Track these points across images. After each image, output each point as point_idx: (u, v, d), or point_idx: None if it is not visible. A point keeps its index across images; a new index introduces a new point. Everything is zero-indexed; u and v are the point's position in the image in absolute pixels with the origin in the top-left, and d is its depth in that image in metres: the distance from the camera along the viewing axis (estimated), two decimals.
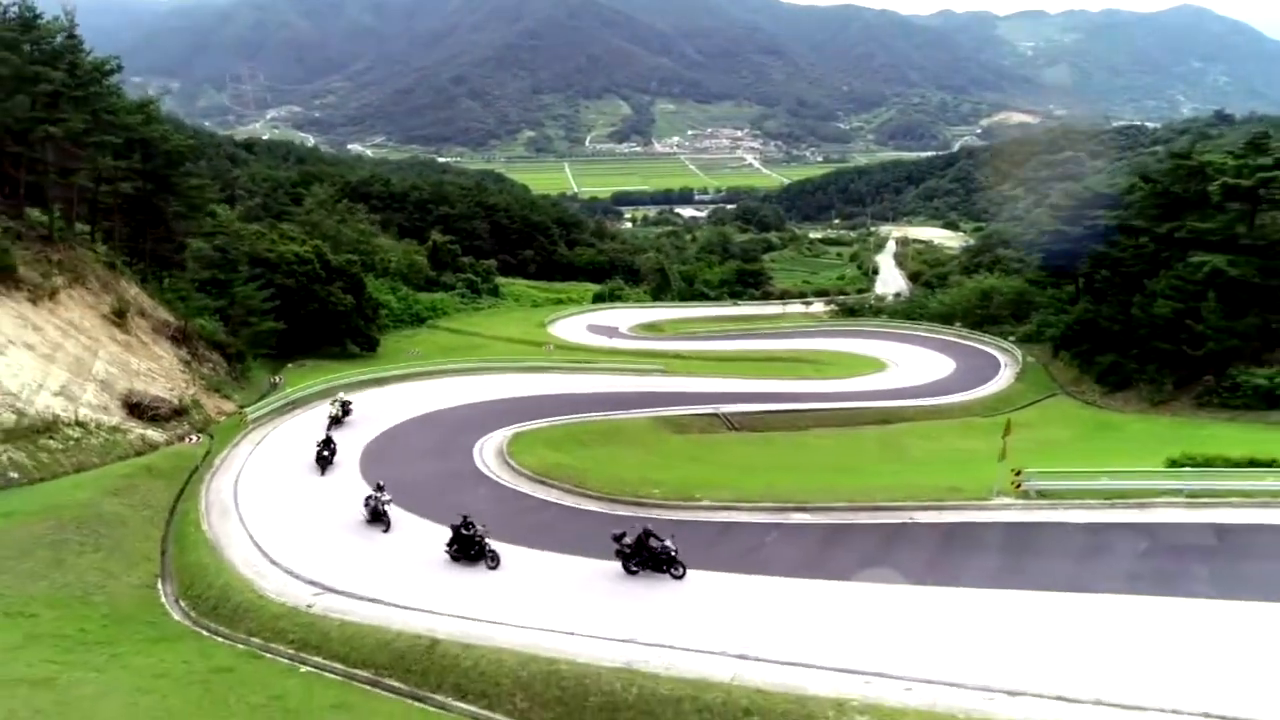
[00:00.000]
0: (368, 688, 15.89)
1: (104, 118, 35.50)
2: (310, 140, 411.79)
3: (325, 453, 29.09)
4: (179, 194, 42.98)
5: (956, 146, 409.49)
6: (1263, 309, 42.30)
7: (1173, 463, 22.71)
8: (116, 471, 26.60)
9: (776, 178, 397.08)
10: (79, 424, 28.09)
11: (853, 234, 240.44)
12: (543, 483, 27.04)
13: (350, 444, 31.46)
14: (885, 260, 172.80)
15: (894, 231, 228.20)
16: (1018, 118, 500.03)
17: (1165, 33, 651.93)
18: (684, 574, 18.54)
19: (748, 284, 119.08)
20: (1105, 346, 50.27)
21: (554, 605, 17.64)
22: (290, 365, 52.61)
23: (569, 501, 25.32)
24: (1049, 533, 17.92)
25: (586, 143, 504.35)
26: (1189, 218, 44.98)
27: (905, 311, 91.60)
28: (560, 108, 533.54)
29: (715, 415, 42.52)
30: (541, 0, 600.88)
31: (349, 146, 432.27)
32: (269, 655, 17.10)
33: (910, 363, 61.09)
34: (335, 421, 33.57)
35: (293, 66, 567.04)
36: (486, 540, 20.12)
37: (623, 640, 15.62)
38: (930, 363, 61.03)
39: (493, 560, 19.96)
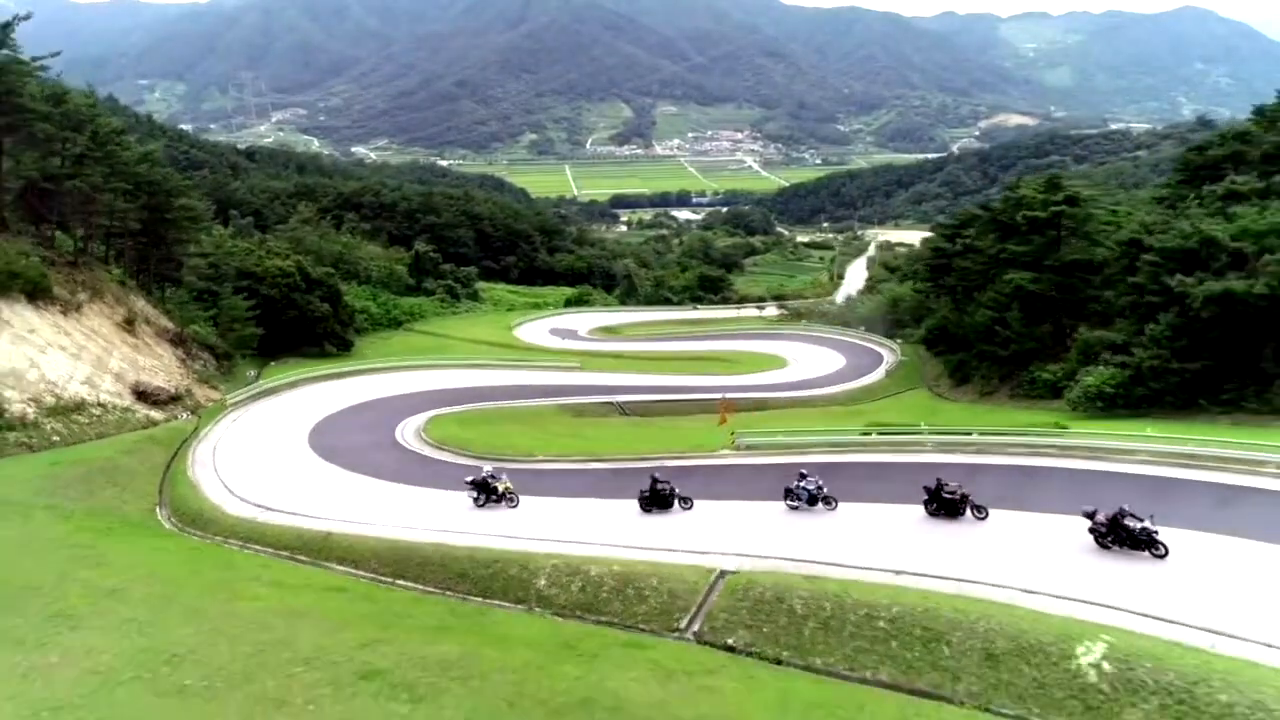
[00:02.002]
0: (285, 560, 25.72)
1: (119, 168, 45.51)
2: (314, 143, 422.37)
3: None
4: (176, 224, 52.95)
5: (955, 149, 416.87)
6: (1057, 318, 51.80)
7: (864, 431, 32.38)
8: (129, 439, 36.52)
9: (775, 180, 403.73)
10: (100, 405, 38.05)
11: (839, 237, 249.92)
12: (438, 448, 36.87)
13: (301, 421, 41.35)
14: (859, 265, 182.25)
15: (879, 235, 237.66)
16: (1016, 120, 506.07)
17: (1168, 34, 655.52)
18: (1166, 554, 17.88)
19: (708, 289, 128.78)
20: (955, 347, 59.85)
21: (413, 513, 27.43)
22: (273, 364, 62.34)
23: (449, 459, 35.15)
24: (732, 470, 27.57)
25: (588, 145, 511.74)
26: (1010, 242, 54.46)
27: (840, 316, 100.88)
28: (562, 110, 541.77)
29: (611, 403, 52.24)
30: (544, 4, 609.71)
31: (352, 149, 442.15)
32: (226, 545, 26.95)
33: (808, 361, 70.63)
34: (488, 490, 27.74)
35: (299, 69, 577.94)
36: None
37: (438, 530, 25.43)
38: (825, 360, 70.57)
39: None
